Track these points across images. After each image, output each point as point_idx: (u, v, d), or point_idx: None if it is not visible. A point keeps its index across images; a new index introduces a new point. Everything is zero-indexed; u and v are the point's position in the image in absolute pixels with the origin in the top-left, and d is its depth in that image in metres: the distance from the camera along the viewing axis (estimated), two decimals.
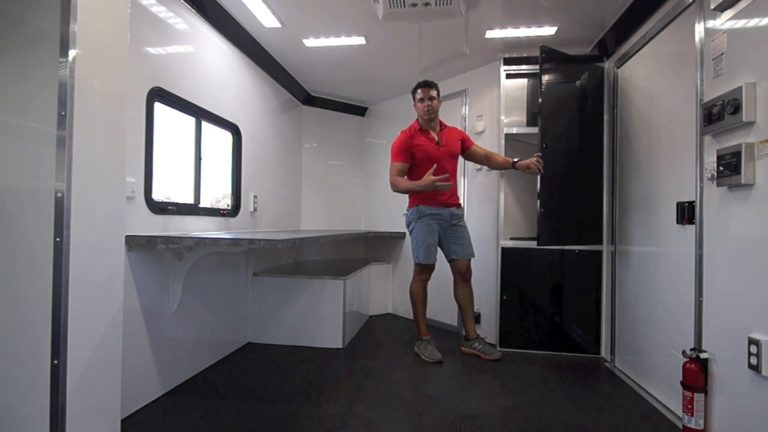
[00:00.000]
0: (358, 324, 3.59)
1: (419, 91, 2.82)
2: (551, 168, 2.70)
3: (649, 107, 2.37)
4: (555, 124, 2.77)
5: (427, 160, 2.78)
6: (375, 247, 4.51)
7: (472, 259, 2.97)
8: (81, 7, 1.39)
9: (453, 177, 2.86)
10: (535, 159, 2.67)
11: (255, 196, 3.25)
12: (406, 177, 2.84)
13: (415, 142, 2.79)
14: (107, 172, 1.55)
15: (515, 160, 2.81)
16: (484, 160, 2.99)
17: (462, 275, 2.93)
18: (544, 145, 2.69)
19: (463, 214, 2.99)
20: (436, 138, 2.85)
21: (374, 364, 2.73)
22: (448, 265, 3.59)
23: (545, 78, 2.73)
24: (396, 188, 2.82)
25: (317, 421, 1.92)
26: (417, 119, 2.90)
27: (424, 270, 2.93)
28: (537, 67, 3.02)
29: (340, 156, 4.59)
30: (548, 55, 2.73)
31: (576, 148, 2.82)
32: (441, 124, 2.92)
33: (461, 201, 3.09)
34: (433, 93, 2.82)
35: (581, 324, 2.92)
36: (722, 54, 1.67)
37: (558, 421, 1.96)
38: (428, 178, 2.62)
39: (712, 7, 1.71)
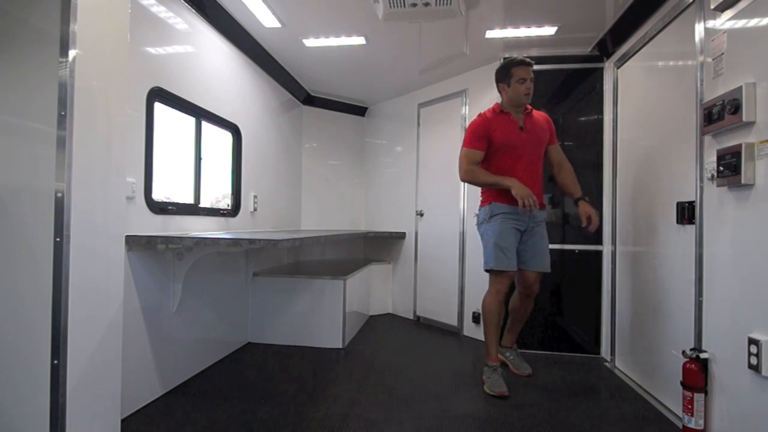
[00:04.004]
0: (358, 324, 3.59)
1: (520, 69, 2.36)
2: None
3: (649, 107, 2.37)
4: None
5: (507, 146, 2.38)
6: (375, 247, 4.51)
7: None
8: (81, 7, 1.39)
9: (538, 169, 2.46)
10: (594, 217, 2.36)
11: (255, 196, 3.25)
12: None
13: (492, 125, 2.39)
14: (107, 172, 1.55)
15: (583, 198, 2.44)
16: (555, 166, 2.55)
17: (527, 288, 2.48)
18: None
19: (544, 219, 2.50)
20: (520, 122, 2.43)
21: (374, 364, 2.73)
22: (450, 263, 3.64)
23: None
24: (470, 178, 2.43)
25: (317, 421, 1.92)
26: (499, 103, 2.49)
27: (499, 278, 2.39)
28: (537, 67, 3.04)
29: (340, 156, 4.59)
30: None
31: None
32: (526, 107, 2.47)
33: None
34: (532, 73, 2.40)
35: (581, 324, 2.92)
36: (722, 54, 1.67)
37: (558, 421, 1.96)
38: (527, 188, 2.25)
39: (712, 7, 1.71)
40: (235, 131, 2.98)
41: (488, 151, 2.42)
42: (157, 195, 2.18)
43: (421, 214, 3.94)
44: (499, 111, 2.44)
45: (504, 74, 2.43)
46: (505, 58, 2.49)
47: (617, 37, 2.67)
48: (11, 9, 1.43)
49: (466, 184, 3.49)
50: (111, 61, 1.56)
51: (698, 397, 1.73)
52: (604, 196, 2.87)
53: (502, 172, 2.37)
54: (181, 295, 2.23)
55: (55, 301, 1.36)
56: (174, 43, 2.29)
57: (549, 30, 2.73)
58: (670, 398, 2.06)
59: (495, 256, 2.37)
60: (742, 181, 1.51)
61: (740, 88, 1.53)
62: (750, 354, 1.49)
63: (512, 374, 2.51)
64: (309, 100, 4.30)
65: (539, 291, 2.52)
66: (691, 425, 1.75)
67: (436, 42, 3.00)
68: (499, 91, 2.48)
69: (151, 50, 2.10)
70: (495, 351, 2.41)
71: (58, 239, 1.36)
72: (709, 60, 1.75)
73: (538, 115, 2.51)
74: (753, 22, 1.53)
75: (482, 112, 2.50)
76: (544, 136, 2.47)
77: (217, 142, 2.86)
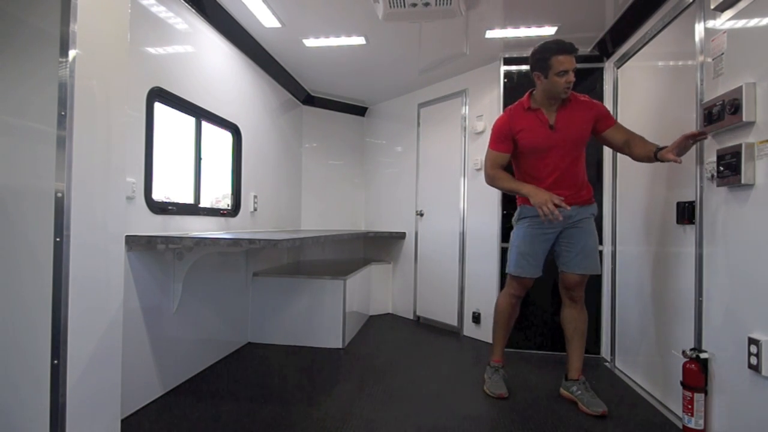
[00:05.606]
0: (358, 324, 3.59)
1: (561, 59, 1.98)
2: None
3: (649, 107, 2.37)
4: None
5: (534, 149, 2.13)
6: (375, 247, 4.51)
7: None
8: (81, 7, 1.39)
9: (575, 169, 2.15)
10: (686, 138, 1.79)
11: (255, 196, 3.25)
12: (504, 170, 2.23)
13: (518, 125, 2.13)
14: (107, 172, 1.55)
15: (659, 148, 1.93)
16: (624, 147, 2.11)
17: (567, 291, 2.24)
18: None
19: (592, 214, 2.20)
20: (551, 119, 2.12)
21: (374, 364, 2.73)
22: (450, 263, 3.65)
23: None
24: (493, 184, 2.24)
25: (317, 422, 1.92)
26: (530, 93, 2.18)
27: (514, 283, 2.28)
28: None
29: (340, 156, 4.59)
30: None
31: None
32: (567, 98, 2.11)
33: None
34: (575, 61, 2.03)
35: None
36: (722, 54, 1.67)
37: (558, 422, 1.96)
38: (545, 194, 1.99)
39: (712, 7, 1.72)
40: (235, 131, 2.98)
41: (515, 154, 2.20)
42: (157, 195, 2.18)
43: (421, 214, 3.94)
44: (527, 107, 2.15)
45: (542, 64, 2.04)
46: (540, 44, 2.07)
47: (617, 37, 2.67)
48: (11, 9, 1.43)
49: (465, 184, 3.51)
50: (111, 61, 1.56)
51: (698, 397, 1.73)
52: (604, 196, 2.88)
53: (530, 175, 2.17)
54: (181, 295, 2.23)
55: (55, 301, 1.36)
56: (174, 43, 2.29)
57: (549, 30, 2.73)
58: (670, 398, 2.06)
59: (516, 261, 2.23)
60: (742, 181, 1.51)
61: (740, 88, 1.53)
62: (750, 354, 1.49)
63: (581, 412, 2.06)
64: (309, 100, 4.30)
65: (583, 295, 2.24)
66: (691, 425, 1.75)
67: (436, 42, 3.00)
68: (533, 79, 2.13)
69: (151, 50, 2.10)
70: (500, 351, 2.37)
71: (58, 239, 1.36)
72: (709, 60, 1.75)
73: (579, 103, 2.14)
74: (753, 22, 1.53)
75: (511, 106, 2.24)
76: (581, 133, 2.12)
77: (217, 142, 2.86)
